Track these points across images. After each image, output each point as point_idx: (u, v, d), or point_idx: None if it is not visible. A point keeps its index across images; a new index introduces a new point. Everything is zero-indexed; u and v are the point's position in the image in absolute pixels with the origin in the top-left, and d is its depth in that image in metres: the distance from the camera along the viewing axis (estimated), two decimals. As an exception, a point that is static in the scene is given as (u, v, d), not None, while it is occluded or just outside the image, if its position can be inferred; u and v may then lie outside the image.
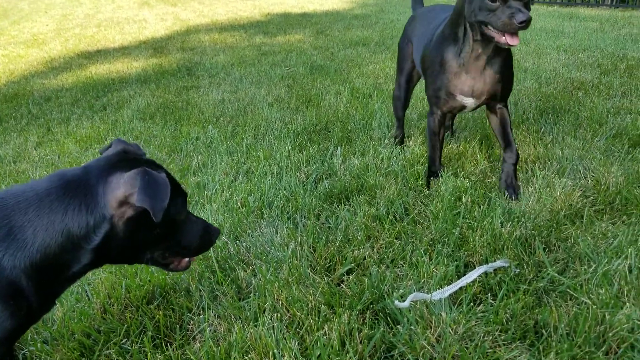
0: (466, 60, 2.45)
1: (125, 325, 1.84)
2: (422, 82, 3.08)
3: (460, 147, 3.20)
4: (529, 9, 2.22)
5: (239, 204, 2.64)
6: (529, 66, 5.32)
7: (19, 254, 1.18)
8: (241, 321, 1.82)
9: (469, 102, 2.58)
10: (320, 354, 1.60)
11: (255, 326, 1.76)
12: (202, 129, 3.96)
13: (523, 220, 2.29)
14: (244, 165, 3.17)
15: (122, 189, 1.22)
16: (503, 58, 2.48)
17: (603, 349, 1.57)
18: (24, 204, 1.21)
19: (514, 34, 2.23)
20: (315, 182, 2.87)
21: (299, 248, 2.20)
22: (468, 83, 2.51)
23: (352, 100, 4.43)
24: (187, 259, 1.55)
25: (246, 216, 2.52)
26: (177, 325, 1.85)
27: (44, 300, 1.27)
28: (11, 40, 10.38)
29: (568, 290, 1.84)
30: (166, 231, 1.37)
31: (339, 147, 3.29)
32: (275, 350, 1.63)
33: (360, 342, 1.65)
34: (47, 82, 6.22)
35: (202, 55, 7.36)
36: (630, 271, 1.90)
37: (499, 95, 2.57)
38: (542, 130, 3.43)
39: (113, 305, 1.96)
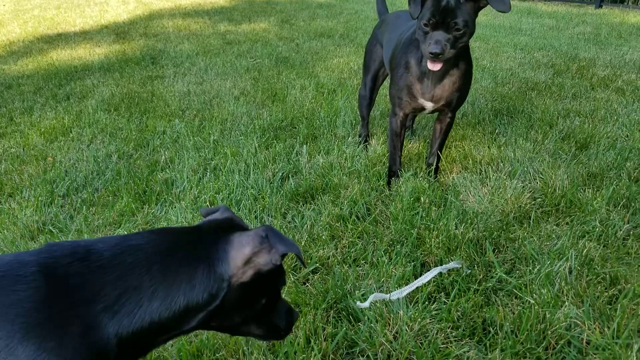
0: (427, 68, 2.57)
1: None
2: (386, 82, 3.22)
3: (420, 147, 3.35)
4: (459, 39, 2.39)
5: (207, 202, 2.73)
6: (487, 64, 5.51)
7: (124, 321, 1.02)
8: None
9: (428, 105, 2.73)
10: (287, 352, 1.73)
11: (226, 324, 1.87)
12: (168, 122, 4.00)
13: (476, 221, 2.46)
14: (211, 162, 3.25)
15: (250, 246, 1.12)
16: (462, 71, 2.63)
17: (543, 345, 1.74)
18: (137, 263, 1.06)
19: (432, 60, 2.42)
20: (282, 180, 2.98)
21: (267, 247, 2.31)
22: (429, 88, 2.65)
23: (317, 95, 4.53)
24: None
25: (215, 215, 2.61)
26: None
27: None
28: (-35, 20, 10.06)
29: (514, 290, 2.02)
30: (270, 303, 1.26)
31: (305, 145, 3.40)
32: (245, 348, 1.75)
33: (325, 340, 1.78)
34: (7, 68, 6.11)
35: (166, 42, 7.32)
36: (570, 272, 2.08)
37: (453, 103, 2.73)
38: (496, 131, 3.61)
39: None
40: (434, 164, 2.97)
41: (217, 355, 1.75)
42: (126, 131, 3.86)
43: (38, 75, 5.70)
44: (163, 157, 3.35)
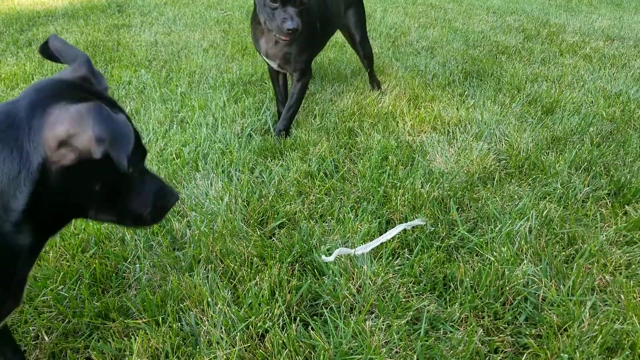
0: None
1: (62, 273, 1.90)
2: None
3: (390, 107, 3.35)
4: (304, 14, 2.55)
5: (173, 155, 2.70)
6: (459, 27, 5.51)
7: None
8: (176, 271, 1.93)
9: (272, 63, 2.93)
10: (251, 303, 1.75)
11: (190, 276, 1.88)
12: (134, 72, 3.90)
13: (441, 181, 2.49)
14: (178, 114, 3.19)
15: (65, 124, 0.91)
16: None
17: (501, 300, 1.80)
18: None
19: (287, 36, 2.53)
20: (250, 136, 2.95)
21: (233, 201, 2.31)
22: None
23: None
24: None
25: (181, 168, 2.59)
26: (113, 274, 1.93)
27: None
28: None
29: (475, 247, 2.07)
30: (112, 189, 1.07)
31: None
32: (209, 299, 1.76)
33: (289, 292, 1.80)
34: (-38, 10, 5.84)
35: (132, -10, 7.07)
36: (530, 232, 2.14)
37: (292, 64, 2.87)
38: (466, 93, 3.64)
39: (48, 253, 2.00)
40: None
41: (181, 305, 1.76)
42: (90, 80, 3.74)
43: (-3, 19, 5.47)
44: (128, 107, 3.27)
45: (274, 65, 2.93)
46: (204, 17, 5.67)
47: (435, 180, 2.48)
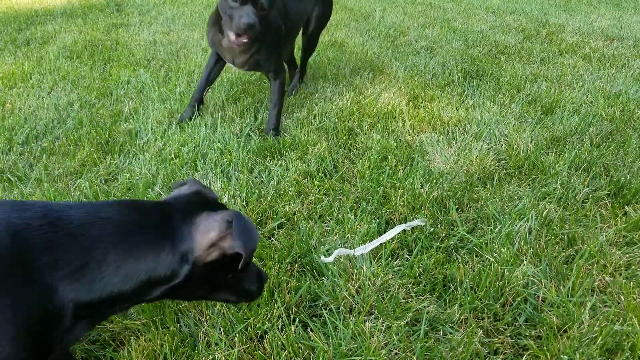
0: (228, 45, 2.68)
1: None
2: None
3: (389, 106, 3.34)
4: (265, 20, 2.54)
5: (172, 154, 2.69)
6: (459, 26, 5.50)
7: (83, 290, 1.04)
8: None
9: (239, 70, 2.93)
10: (249, 304, 1.74)
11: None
12: (133, 72, 3.89)
13: (441, 181, 2.48)
14: (177, 114, 3.18)
15: (216, 231, 1.14)
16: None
17: (500, 301, 1.80)
18: (104, 237, 1.07)
19: (244, 33, 2.49)
20: (249, 136, 2.94)
21: (232, 201, 2.30)
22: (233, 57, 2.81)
23: (287, 50, 4.45)
24: None
25: (180, 167, 2.58)
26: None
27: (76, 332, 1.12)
28: None
29: (475, 248, 2.06)
30: (239, 276, 1.32)
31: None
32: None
33: (288, 293, 1.79)
34: (-40, 9, 5.82)
35: (131, -11, 7.05)
36: (530, 232, 2.14)
37: (263, 67, 2.89)
38: (465, 93, 3.63)
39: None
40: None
41: (180, 306, 1.75)
42: (89, 79, 3.73)
43: (-5, 17, 5.45)
44: (127, 107, 3.26)
45: (241, 70, 2.95)
46: (202, 16, 5.66)
47: (434, 181, 2.47)
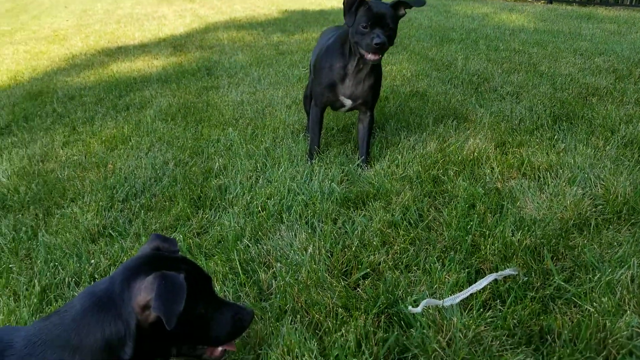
0: (350, 71, 3.03)
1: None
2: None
3: (476, 153, 3.28)
4: (391, 37, 2.82)
5: (259, 207, 2.76)
6: (545, 70, 5.37)
7: None
8: (264, 321, 1.94)
9: (348, 102, 3.17)
10: (337, 355, 1.72)
11: (277, 326, 1.88)
12: (222, 131, 4.08)
13: (533, 228, 2.38)
14: (265, 168, 3.28)
15: (142, 294, 1.24)
16: (376, 74, 3.11)
17: (603, 354, 1.67)
18: (65, 333, 1.25)
19: (374, 52, 2.79)
20: (332, 187, 2.98)
21: (317, 252, 2.32)
22: (350, 88, 3.09)
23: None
24: (220, 349, 1.51)
25: (266, 220, 2.64)
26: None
27: None
28: (32, 36, 10.60)
29: (573, 298, 1.94)
30: (190, 329, 1.37)
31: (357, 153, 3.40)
32: (297, 350, 1.75)
33: (376, 345, 1.76)
34: (69, 80, 6.39)
35: (220, 54, 7.48)
36: (632, 280, 1.99)
37: (369, 102, 3.18)
38: (555, 137, 3.50)
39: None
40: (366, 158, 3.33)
41: (271, 355, 1.76)
42: (182, 139, 3.95)
43: (99, 86, 5.93)
44: (217, 164, 3.41)
45: (349, 105, 3.18)
46: (286, 75, 5.88)
47: (526, 228, 2.38)
